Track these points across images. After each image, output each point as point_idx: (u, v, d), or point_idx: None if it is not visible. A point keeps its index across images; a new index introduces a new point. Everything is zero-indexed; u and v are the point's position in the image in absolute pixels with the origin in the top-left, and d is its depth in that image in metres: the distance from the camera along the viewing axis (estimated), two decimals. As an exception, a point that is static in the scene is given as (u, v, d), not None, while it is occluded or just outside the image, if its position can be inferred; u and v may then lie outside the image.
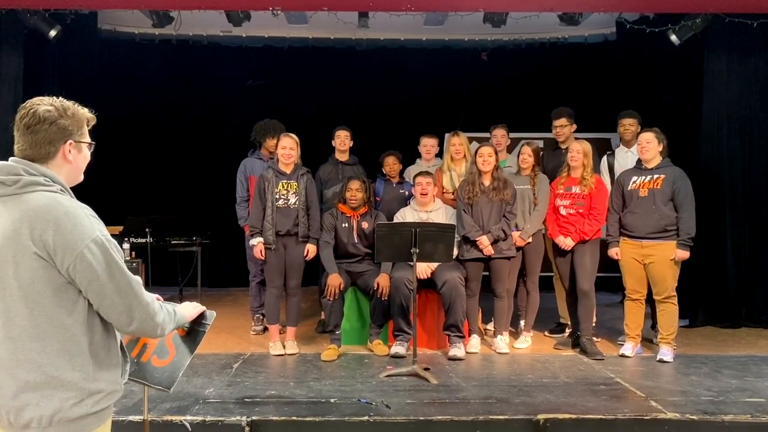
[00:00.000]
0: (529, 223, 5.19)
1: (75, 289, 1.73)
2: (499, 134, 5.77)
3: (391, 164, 5.72)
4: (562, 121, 5.65)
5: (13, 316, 1.71)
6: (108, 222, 1.85)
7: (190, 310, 2.17)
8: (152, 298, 1.86)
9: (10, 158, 1.79)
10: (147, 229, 6.23)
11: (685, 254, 4.77)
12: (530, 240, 5.19)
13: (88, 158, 1.91)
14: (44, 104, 1.79)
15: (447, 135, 6.11)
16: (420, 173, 5.29)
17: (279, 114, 6.17)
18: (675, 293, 4.86)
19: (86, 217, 1.74)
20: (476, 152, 5.11)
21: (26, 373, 1.71)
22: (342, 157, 5.75)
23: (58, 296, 1.71)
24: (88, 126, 1.89)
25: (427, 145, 5.83)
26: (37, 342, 1.71)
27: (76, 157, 1.85)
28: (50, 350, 1.71)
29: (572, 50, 7.93)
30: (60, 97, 1.84)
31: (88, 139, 1.89)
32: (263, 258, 5.01)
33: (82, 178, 1.91)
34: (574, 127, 5.67)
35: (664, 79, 6.73)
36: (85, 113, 1.87)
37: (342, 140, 5.71)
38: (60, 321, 1.72)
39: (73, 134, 1.83)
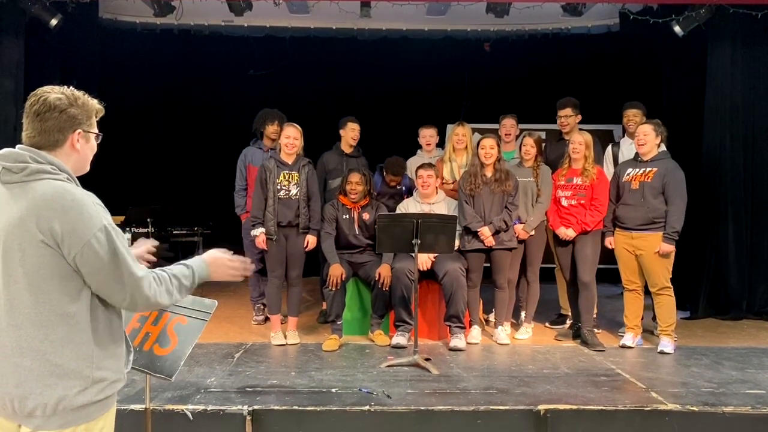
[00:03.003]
0: (532, 215, 5.18)
1: (80, 277, 1.73)
2: (509, 124, 5.71)
3: (394, 175, 5.56)
4: (567, 111, 5.62)
5: (18, 304, 1.71)
6: (109, 212, 1.85)
7: (219, 263, 2.12)
8: (154, 282, 1.83)
9: (17, 146, 1.79)
10: (148, 219, 6.24)
11: (668, 248, 4.75)
12: (533, 232, 5.19)
13: (95, 149, 1.92)
14: (55, 92, 1.80)
15: (450, 125, 6.08)
16: (422, 166, 5.25)
17: (280, 104, 6.14)
18: (670, 285, 4.86)
19: (93, 205, 1.75)
20: (478, 144, 5.10)
21: (30, 362, 1.71)
22: (348, 148, 5.73)
23: (63, 284, 1.71)
24: (96, 117, 1.89)
25: (426, 135, 5.78)
26: (40, 330, 1.71)
27: (84, 147, 1.86)
28: (54, 338, 1.71)
29: (575, 41, 7.88)
30: (70, 87, 1.84)
31: (95, 129, 1.90)
32: (266, 248, 5.01)
33: (88, 168, 1.91)
34: (579, 117, 5.64)
35: (667, 70, 6.69)
36: (94, 104, 1.88)
37: (356, 134, 5.65)
38: (64, 309, 1.72)
39: (82, 124, 1.83)
